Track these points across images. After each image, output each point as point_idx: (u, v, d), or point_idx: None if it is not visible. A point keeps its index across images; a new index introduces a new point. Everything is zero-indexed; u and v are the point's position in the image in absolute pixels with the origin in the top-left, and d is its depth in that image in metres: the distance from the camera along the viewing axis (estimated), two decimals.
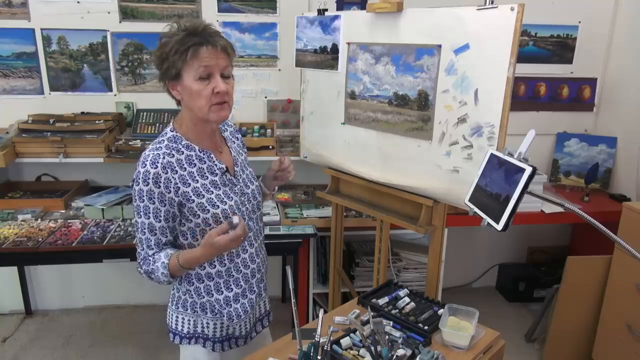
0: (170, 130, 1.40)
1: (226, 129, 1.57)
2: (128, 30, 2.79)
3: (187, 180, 1.35)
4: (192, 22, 1.31)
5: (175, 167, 1.34)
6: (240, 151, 1.58)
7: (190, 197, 1.35)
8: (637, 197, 2.90)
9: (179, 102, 1.40)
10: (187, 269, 1.37)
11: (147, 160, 1.32)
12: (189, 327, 1.49)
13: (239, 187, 1.46)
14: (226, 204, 1.40)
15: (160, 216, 1.34)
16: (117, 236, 2.37)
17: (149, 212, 1.33)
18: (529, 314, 3.27)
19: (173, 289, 1.52)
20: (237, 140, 1.61)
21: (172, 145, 1.36)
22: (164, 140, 1.37)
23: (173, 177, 1.33)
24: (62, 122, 2.72)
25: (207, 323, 1.48)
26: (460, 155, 1.77)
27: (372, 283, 2.34)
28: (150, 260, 1.37)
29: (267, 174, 1.66)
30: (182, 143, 1.38)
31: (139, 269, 1.40)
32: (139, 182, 1.31)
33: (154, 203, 1.32)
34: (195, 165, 1.38)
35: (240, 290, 1.49)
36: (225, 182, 1.43)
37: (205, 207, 1.36)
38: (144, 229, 1.35)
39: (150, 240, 1.36)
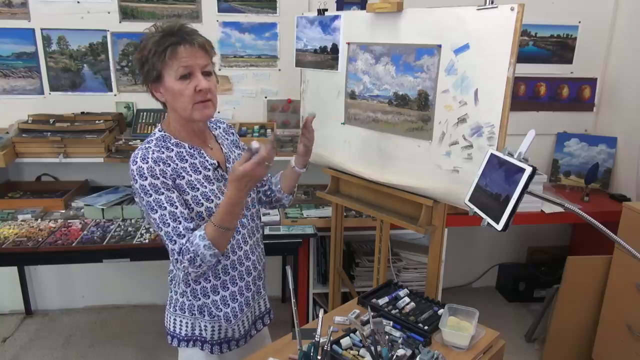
0: (159, 131, 1.39)
1: (219, 126, 1.57)
2: (128, 30, 2.79)
3: (181, 173, 1.34)
4: (168, 23, 1.30)
5: (166, 161, 1.33)
6: (233, 148, 1.57)
7: (185, 189, 1.34)
8: (637, 197, 2.90)
9: (164, 105, 1.39)
10: (226, 227, 1.26)
11: (137, 157, 1.30)
12: (186, 330, 1.48)
13: None
14: (220, 198, 1.38)
15: (176, 203, 1.30)
16: (117, 236, 2.37)
17: (163, 203, 1.29)
18: (529, 314, 3.27)
19: (171, 292, 1.52)
20: (232, 136, 1.60)
21: (161, 144, 1.36)
22: (152, 140, 1.37)
23: (167, 170, 1.32)
24: (62, 122, 2.72)
25: (205, 326, 1.47)
26: (460, 155, 1.77)
27: (372, 283, 2.34)
28: (187, 246, 1.27)
29: (296, 157, 1.69)
30: (172, 141, 1.37)
31: (180, 265, 1.30)
32: (136, 180, 1.30)
33: (162, 193, 1.29)
34: (187, 161, 1.37)
35: (237, 288, 1.48)
36: (218, 178, 1.42)
37: (199, 200, 1.35)
38: (166, 220, 1.28)
39: (179, 228, 1.28)
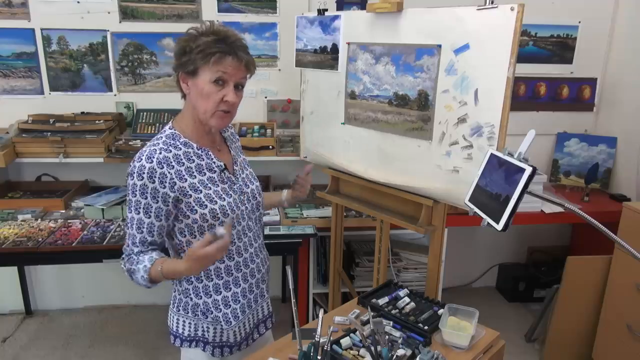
0: (169, 128, 1.41)
1: (226, 129, 1.59)
2: (128, 30, 2.79)
3: (184, 175, 1.35)
4: (226, 30, 1.34)
5: (171, 162, 1.34)
6: (239, 152, 1.59)
7: (187, 192, 1.35)
8: (637, 197, 2.90)
9: (184, 95, 1.41)
10: (168, 279, 1.33)
11: (143, 155, 1.32)
12: (189, 331, 1.48)
13: (237, 185, 1.47)
14: (224, 200, 1.40)
15: (151, 212, 1.33)
16: (117, 236, 2.37)
17: (140, 208, 1.33)
18: (529, 314, 3.27)
19: (174, 291, 1.52)
20: (237, 142, 1.63)
21: (170, 142, 1.37)
22: (162, 137, 1.38)
23: (169, 172, 1.33)
24: (62, 122, 2.72)
25: (207, 327, 1.47)
26: (460, 155, 1.77)
27: (372, 283, 2.34)
28: (134, 259, 1.36)
29: (288, 194, 1.81)
30: (180, 140, 1.38)
31: (122, 265, 1.39)
32: (133, 177, 1.31)
33: (145, 198, 1.32)
34: (193, 161, 1.38)
35: (240, 290, 1.48)
36: (224, 180, 1.43)
37: (203, 202, 1.36)
38: (132, 224, 1.35)
39: (135, 237, 1.35)
